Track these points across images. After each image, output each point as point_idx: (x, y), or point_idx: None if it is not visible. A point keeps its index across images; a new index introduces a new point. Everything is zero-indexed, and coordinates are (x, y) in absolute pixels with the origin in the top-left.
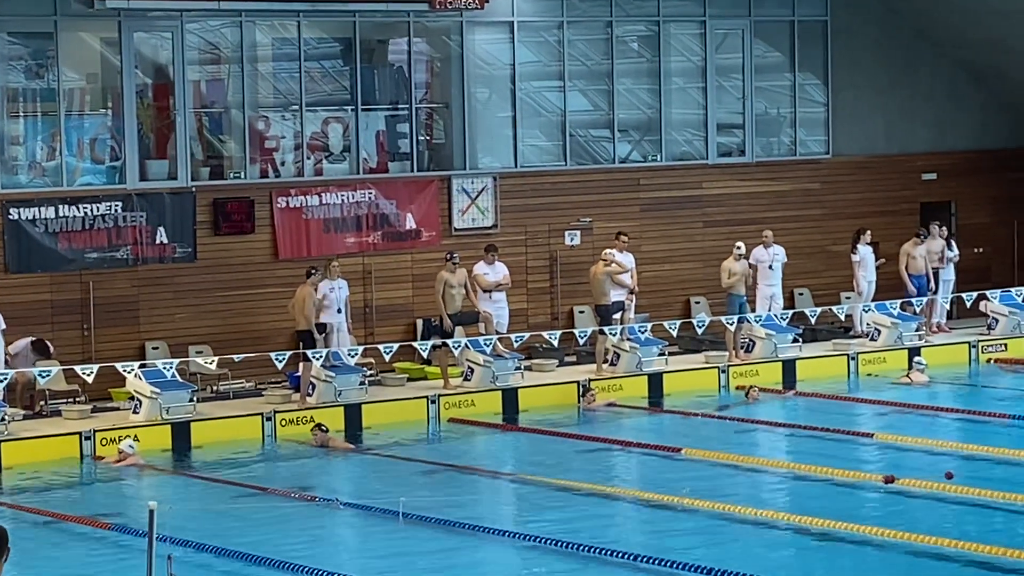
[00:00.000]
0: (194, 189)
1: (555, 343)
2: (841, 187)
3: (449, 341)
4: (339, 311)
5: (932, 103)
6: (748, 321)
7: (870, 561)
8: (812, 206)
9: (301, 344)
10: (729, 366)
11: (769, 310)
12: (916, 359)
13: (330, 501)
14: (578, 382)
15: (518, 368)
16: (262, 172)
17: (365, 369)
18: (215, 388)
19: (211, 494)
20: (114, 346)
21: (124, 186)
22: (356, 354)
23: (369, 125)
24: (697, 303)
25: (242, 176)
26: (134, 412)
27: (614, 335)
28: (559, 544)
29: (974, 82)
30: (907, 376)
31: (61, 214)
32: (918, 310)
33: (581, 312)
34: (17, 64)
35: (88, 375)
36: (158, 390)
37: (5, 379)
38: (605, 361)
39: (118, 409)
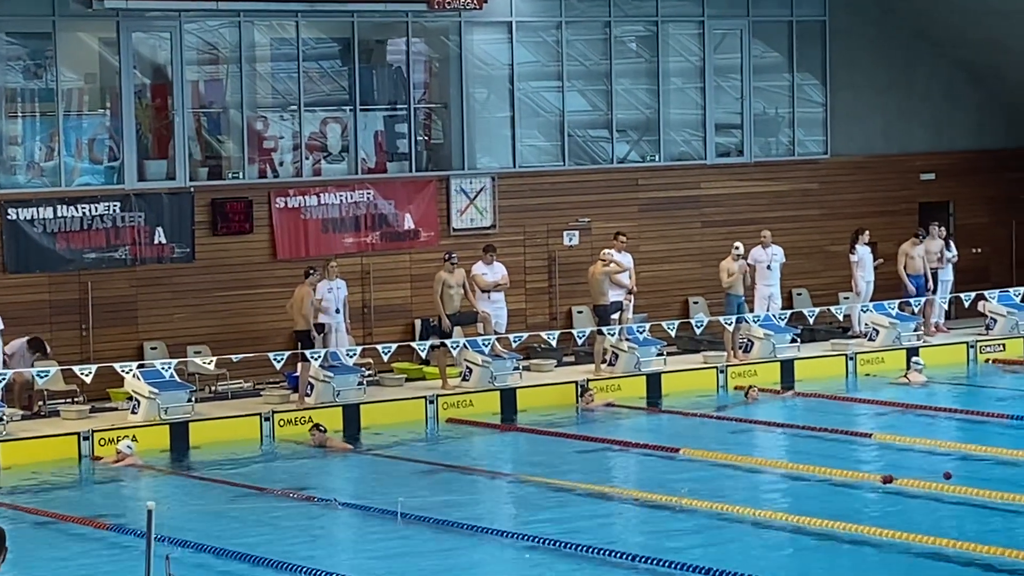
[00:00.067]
0: (192, 189)
1: (553, 343)
2: (839, 187)
3: (447, 341)
4: (337, 311)
5: (930, 103)
6: (746, 321)
7: (868, 561)
8: (810, 206)
9: (299, 344)
10: (727, 366)
11: (767, 310)
12: (914, 359)
13: (328, 501)
14: (576, 382)
15: (516, 368)
16: (260, 172)
17: (363, 369)
18: (213, 388)
19: (209, 494)
20: (112, 346)
21: (122, 186)
22: (354, 354)
23: (367, 125)
24: (695, 303)
25: (240, 176)
26: (132, 412)
27: (612, 335)
28: (557, 544)
29: (972, 82)
30: (905, 376)
31: (59, 214)
32: (916, 310)
33: (579, 312)
34: (15, 64)
35: (86, 375)
36: (156, 390)
37: (3, 379)
38: (603, 361)
39: (116, 409)
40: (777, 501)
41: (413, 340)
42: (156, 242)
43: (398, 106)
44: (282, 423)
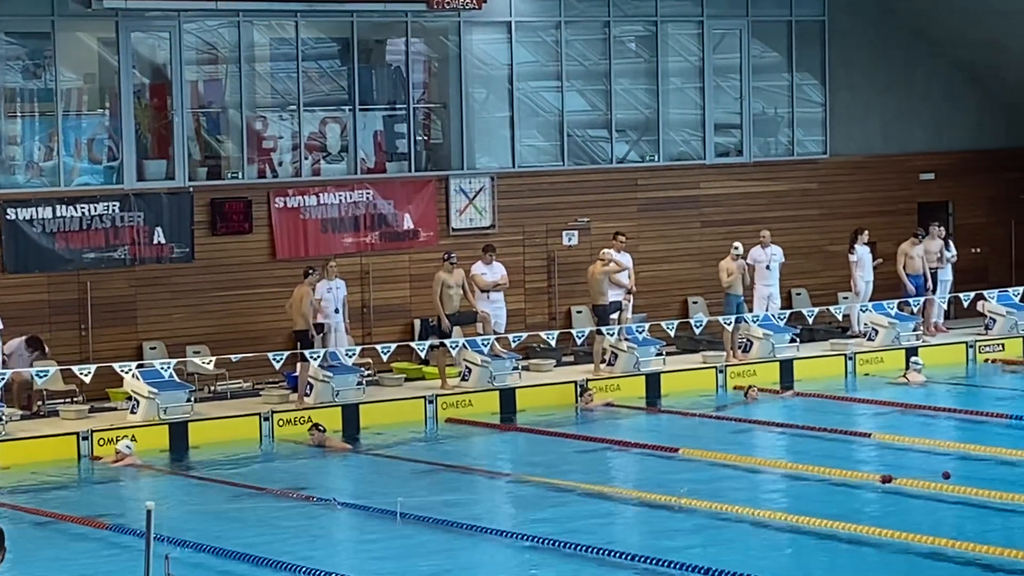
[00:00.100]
0: (192, 189)
1: (553, 343)
2: (839, 187)
3: (447, 341)
4: (337, 311)
5: (930, 103)
6: (746, 321)
7: (868, 561)
8: (810, 206)
9: (299, 344)
10: (727, 366)
11: (767, 310)
12: (913, 359)
13: (327, 501)
14: (576, 382)
15: (516, 368)
16: (260, 172)
17: (363, 369)
18: (212, 388)
19: (208, 494)
20: (111, 346)
21: (121, 186)
22: (354, 354)
23: (367, 125)
24: (695, 303)
25: (240, 176)
26: (131, 412)
27: (612, 335)
28: (556, 544)
29: (971, 82)
30: (904, 376)
31: (58, 214)
32: (915, 310)
33: (579, 312)
34: (14, 64)
35: (85, 375)
36: (156, 390)
37: (3, 379)
38: (603, 361)
39: (115, 409)
40: (776, 501)
41: (412, 340)
42: (155, 242)
43: (397, 106)
44: (281, 423)
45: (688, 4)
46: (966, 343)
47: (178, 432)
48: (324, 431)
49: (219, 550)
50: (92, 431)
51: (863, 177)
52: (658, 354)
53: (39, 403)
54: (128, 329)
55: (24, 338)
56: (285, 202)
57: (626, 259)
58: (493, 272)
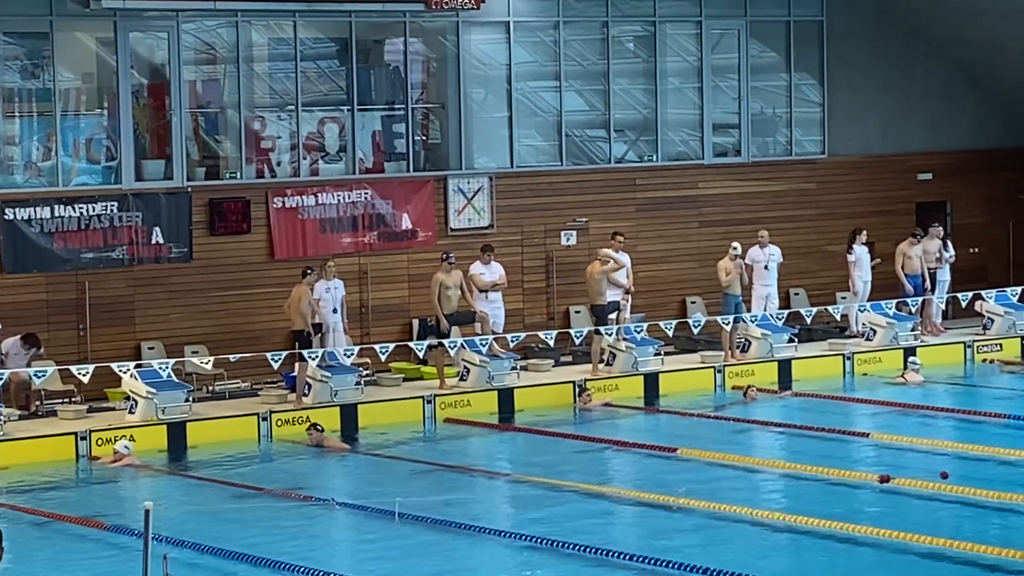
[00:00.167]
0: (190, 189)
1: (551, 343)
2: (837, 187)
3: (445, 341)
4: (335, 311)
5: (928, 103)
6: (744, 321)
7: (866, 561)
8: (808, 206)
9: (297, 344)
10: (725, 366)
11: (765, 310)
12: (911, 359)
13: (326, 501)
14: (574, 382)
15: (514, 368)
16: (258, 172)
17: (361, 369)
18: (211, 388)
19: (207, 494)
20: (110, 346)
21: (120, 186)
22: (352, 354)
23: (365, 125)
24: (693, 303)
25: (238, 176)
26: (130, 412)
27: (610, 335)
28: (555, 544)
29: (969, 82)
30: (902, 376)
31: (57, 214)
32: (914, 310)
33: (577, 312)
34: (13, 64)
35: (84, 375)
36: (154, 390)
37: (1, 379)
38: (601, 361)
39: (114, 409)
40: (775, 501)
41: (411, 340)
42: (153, 242)
43: (396, 106)
44: (280, 423)
45: (686, 4)
46: (964, 343)
47: (176, 432)
48: (322, 431)
49: (217, 550)
50: (90, 431)
51: (861, 177)
52: (656, 354)
53: (37, 403)
54: (126, 329)
55: (20, 336)
56: (283, 202)
57: (624, 259)
58: (491, 272)
